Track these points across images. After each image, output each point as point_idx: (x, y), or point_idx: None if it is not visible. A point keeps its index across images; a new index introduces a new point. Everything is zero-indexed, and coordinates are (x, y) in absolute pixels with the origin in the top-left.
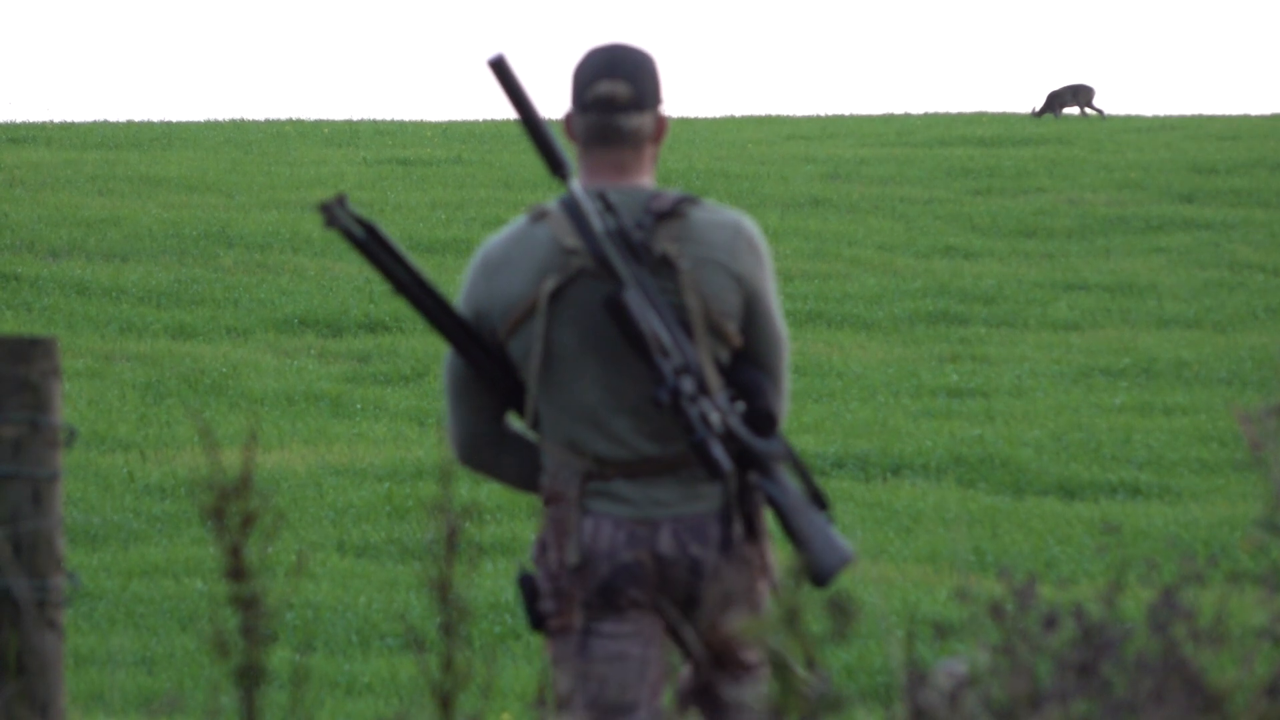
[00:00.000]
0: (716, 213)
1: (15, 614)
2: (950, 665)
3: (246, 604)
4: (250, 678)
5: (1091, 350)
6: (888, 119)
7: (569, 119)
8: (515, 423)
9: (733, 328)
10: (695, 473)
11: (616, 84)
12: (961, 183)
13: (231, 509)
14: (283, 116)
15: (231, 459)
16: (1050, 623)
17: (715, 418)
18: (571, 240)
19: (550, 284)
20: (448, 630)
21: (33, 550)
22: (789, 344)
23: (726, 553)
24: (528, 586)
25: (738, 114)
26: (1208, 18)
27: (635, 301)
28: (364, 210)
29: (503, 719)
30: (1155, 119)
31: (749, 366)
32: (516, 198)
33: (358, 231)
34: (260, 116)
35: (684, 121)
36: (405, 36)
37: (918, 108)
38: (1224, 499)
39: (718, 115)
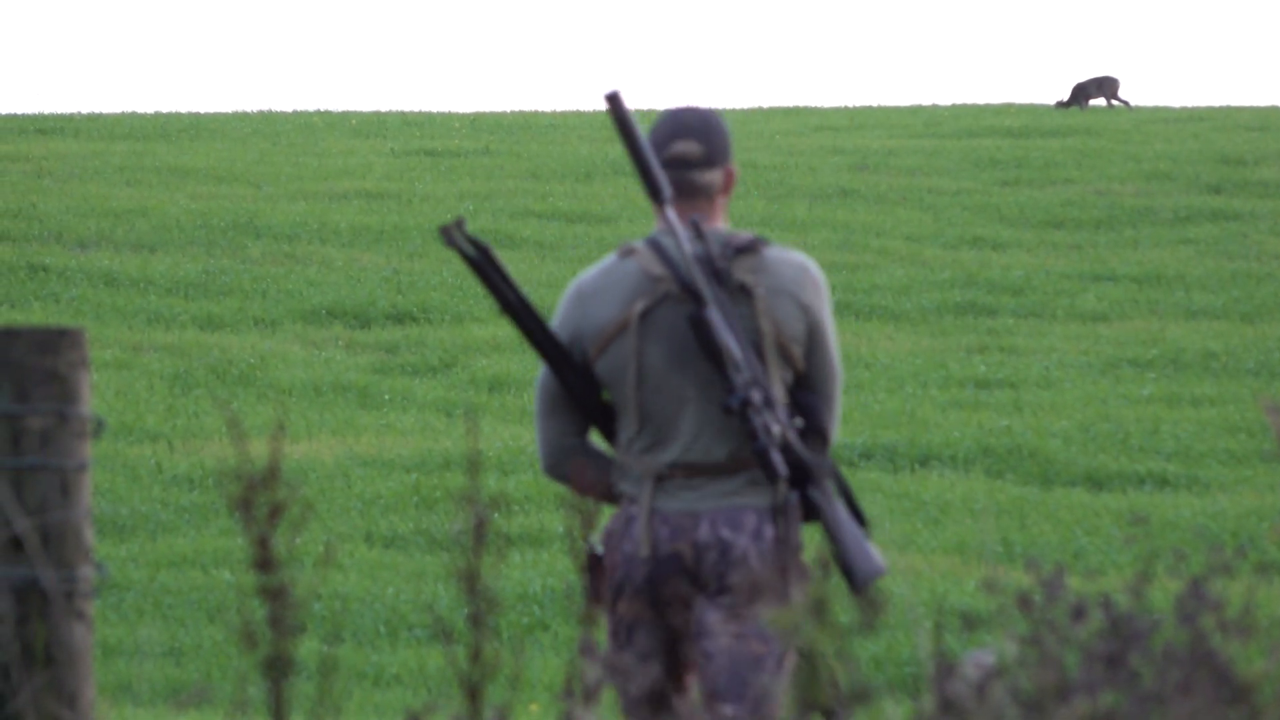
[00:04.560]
0: (785, 252)
1: (43, 605)
2: (978, 656)
3: (274, 595)
4: (278, 669)
5: (1119, 341)
6: (916, 110)
7: None
8: (596, 439)
9: (798, 352)
10: (747, 477)
11: (689, 144)
12: (989, 174)
13: (259, 500)
14: (310, 108)
15: (259, 450)
16: (1078, 614)
17: (776, 429)
18: (658, 269)
19: (640, 305)
20: (476, 621)
21: (61, 541)
22: (842, 375)
23: (756, 543)
24: (595, 565)
25: (766, 105)
26: (1235, 8)
27: (715, 318)
28: (391, 202)
29: (531, 710)
30: (1183, 110)
31: (808, 392)
32: (544, 188)
33: (471, 252)
34: (288, 108)
35: None
36: (433, 27)
37: (945, 99)
38: (1252, 490)
39: (746, 106)
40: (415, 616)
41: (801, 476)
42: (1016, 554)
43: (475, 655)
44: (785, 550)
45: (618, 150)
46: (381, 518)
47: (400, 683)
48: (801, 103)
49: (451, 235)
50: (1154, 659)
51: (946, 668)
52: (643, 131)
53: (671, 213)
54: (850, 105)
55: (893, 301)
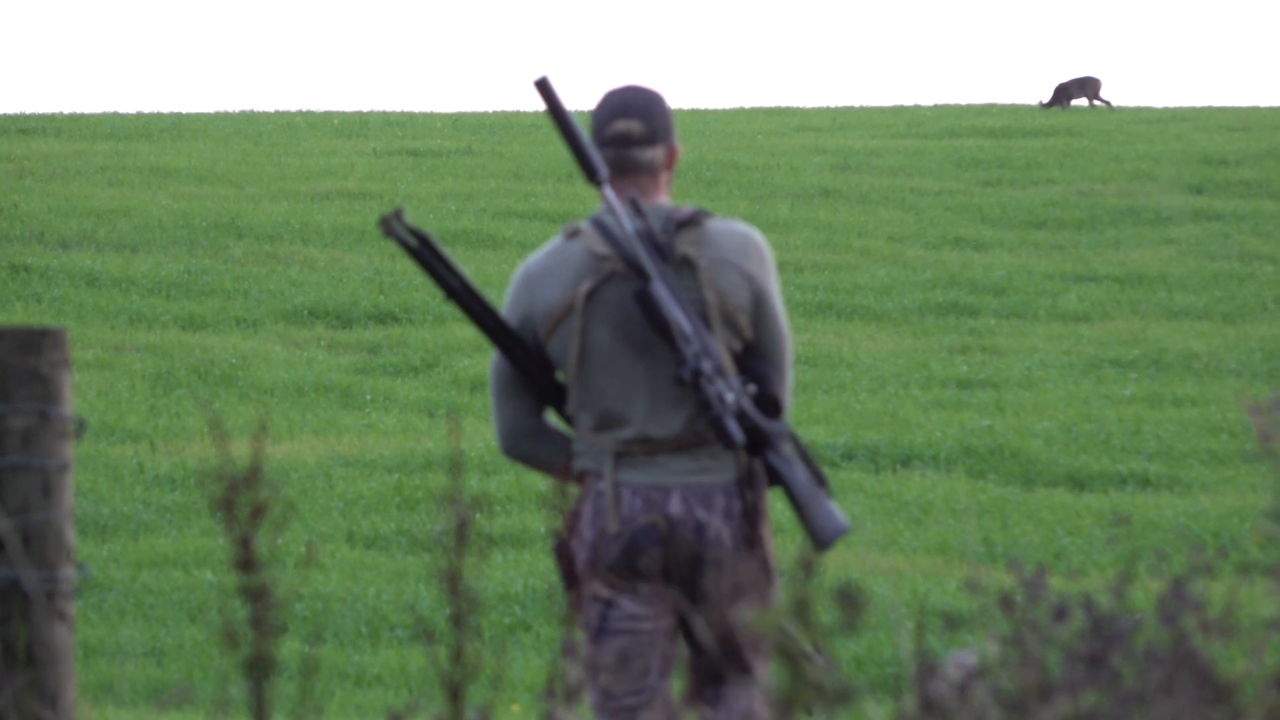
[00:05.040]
0: (728, 223)
1: (25, 605)
2: (960, 656)
3: (256, 595)
4: (260, 669)
5: (1101, 341)
6: (898, 110)
7: None
8: (553, 419)
9: (744, 320)
10: (708, 451)
11: (631, 122)
12: (972, 174)
13: (241, 500)
14: (293, 108)
15: (241, 450)
16: (1060, 614)
17: (730, 397)
18: (603, 248)
19: (586, 285)
20: (457, 621)
21: (42, 541)
22: (792, 342)
23: (729, 521)
24: (564, 552)
25: (748, 105)
26: (1217, 8)
27: (661, 292)
28: (373, 202)
29: (512, 710)
30: (1165, 110)
31: (757, 359)
32: (526, 188)
33: (412, 242)
34: (270, 108)
35: (695, 113)
36: (415, 27)
37: (928, 99)
38: (1234, 490)
39: (728, 107)
40: (397, 617)
41: (758, 443)
42: (998, 554)
43: (457, 655)
44: (756, 518)
45: None
46: (363, 518)
47: (382, 683)
48: (784, 103)
49: (391, 226)
50: (1136, 659)
51: (928, 668)
52: (575, 117)
53: (609, 192)
54: (832, 105)
55: (875, 302)
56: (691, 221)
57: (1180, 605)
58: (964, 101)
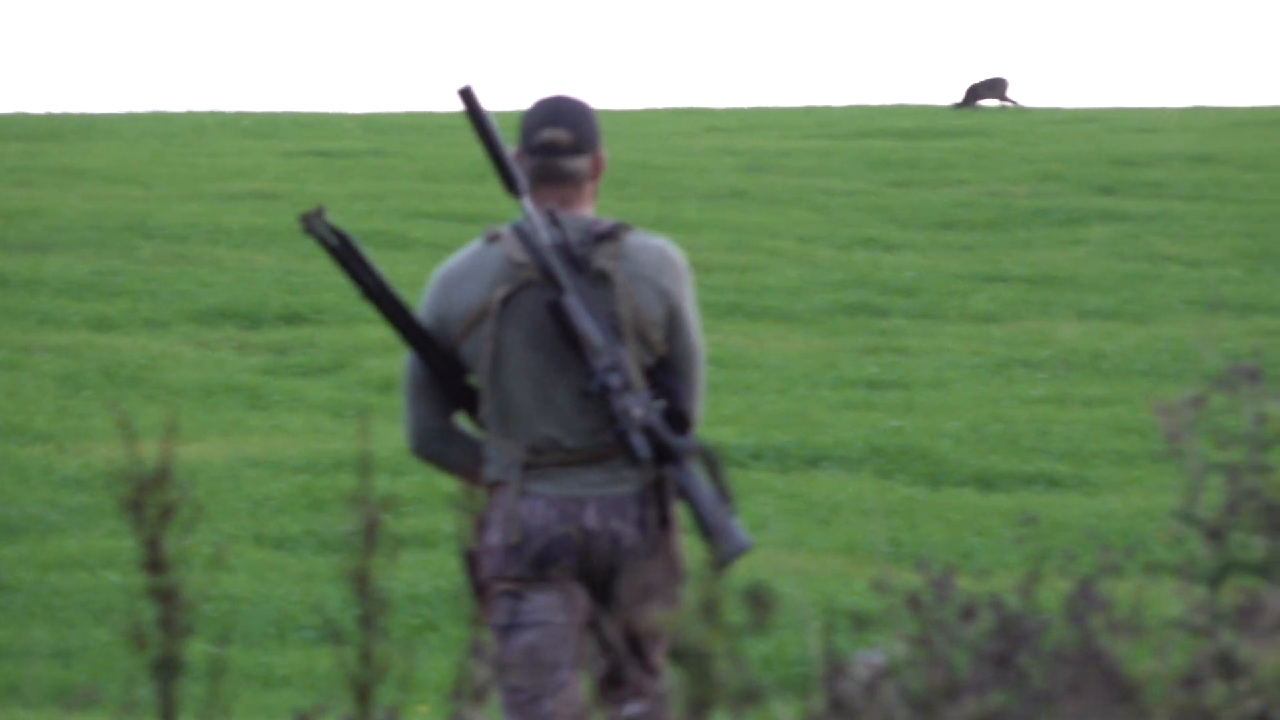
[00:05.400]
0: (647, 238)
1: None
2: (867, 656)
3: (164, 596)
4: (167, 670)
5: (1010, 342)
6: (808, 111)
7: (519, 159)
8: (463, 422)
9: (658, 336)
10: (619, 462)
11: (558, 131)
12: (882, 174)
13: (149, 501)
14: (203, 108)
15: (149, 451)
16: (967, 614)
17: (637, 412)
18: (520, 255)
19: (501, 291)
20: (366, 622)
21: None
22: (705, 356)
23: (643, 530)
24: (469, 559)
25: (659, 106)
26: (1124, 11)
27: (573, 305)
28: (283, 203)
29: (420, 711)
30: (1076, 111)
31: (670, 374)
32: (437, 189)
33: (333, 240)
34: (180, 108)
35: (605, 114)
36: (324, 27)
37: (839, 100)
38: (1141, 490)
39: (639, 107)
40: (305, 618)
41: (664, 458)
42: (906, 554)
43: (365, 656)
44: (668, 525)
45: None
46: (271, 519)
47: (289, 684)
48: (694, 104)
49: (312, 223)
50: (1043, 659)
51: (836, 667)
52: (498, 126)
53: (528, 203)
54: (743, 106)
55: (784, 302)
56: (610, 235)
57: (1088, 605)
58: (875, 102)
